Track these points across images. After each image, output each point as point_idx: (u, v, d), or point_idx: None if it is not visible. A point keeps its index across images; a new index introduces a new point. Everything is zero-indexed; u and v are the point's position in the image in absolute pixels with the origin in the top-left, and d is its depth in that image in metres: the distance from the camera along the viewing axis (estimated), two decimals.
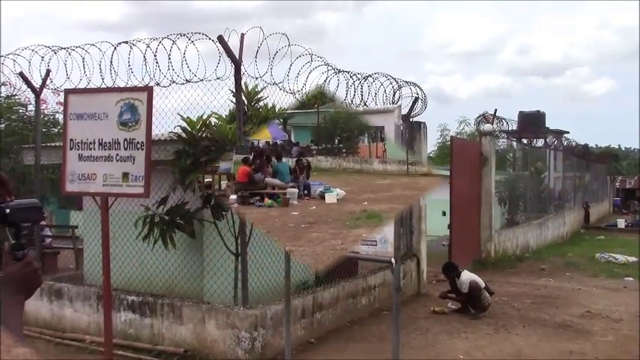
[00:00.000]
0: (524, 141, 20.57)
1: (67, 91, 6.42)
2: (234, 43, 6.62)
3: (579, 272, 13.66)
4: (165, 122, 7.25)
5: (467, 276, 9.26)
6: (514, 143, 20.68)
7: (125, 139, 5.83)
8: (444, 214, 15.99)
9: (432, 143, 42.66)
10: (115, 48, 7.20)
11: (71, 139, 6.08)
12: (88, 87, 7.30)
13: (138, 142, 5.78)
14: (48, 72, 8.25)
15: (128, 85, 6.89)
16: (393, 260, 4.86)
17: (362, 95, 8.84)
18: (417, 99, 10.26)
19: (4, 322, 1.49)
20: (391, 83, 9.52)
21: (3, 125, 14.36)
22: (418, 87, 10.17)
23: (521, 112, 30.34)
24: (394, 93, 9.71)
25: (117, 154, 5.87)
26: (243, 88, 7.19)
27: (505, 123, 16.58)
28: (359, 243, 5.09)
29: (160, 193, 7.42)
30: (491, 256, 14.17)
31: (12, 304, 1.61)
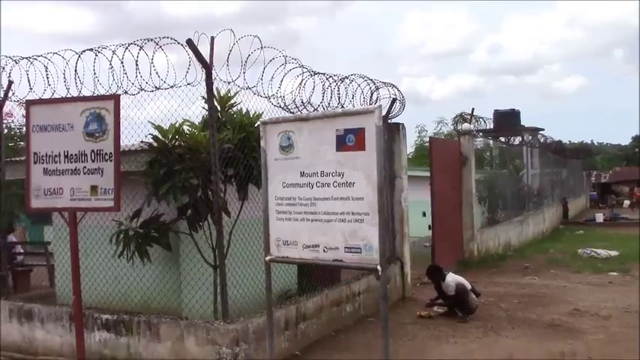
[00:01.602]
0: (502, 139, 20.51)
1: (29, 102, 6.14)
2: (204, 49, 6.35)
3: (563, 269, 13.58)
4: (136, 132, 6.93)
5: (452, 278, 9.07)
6: (491, 142, 20.64)
7: (92, 151, 5.55)
8: (424, 214, 15.85)
9: (409, 144, 42.74)
10: (79, 56, 6.86)
11: (35, 153, 5.79)
12: (52, 97, 6.96)
13: (106, 153, 5.51)
14: (10, 83, 7.87)
15: (94, 95, 6.59)
16: (378, 267, 4.63)
17: (339, 97, 8.63)
18: (394, 100, 10.07)
19: None
20: (368, 85, 9.31)
21: None
22: (396, 88, 9.97)
23: (496, 111, 30.47)
24: (372, 94, 9.52)
25: (84, 167, 5.59)
26: (215, 93, 6.92)
27: (482, 122, 16.50)
28: (343, 251, 4.86)
29: (133, 206, 7.10)
30: (474, 255, 14.04)
31: None
